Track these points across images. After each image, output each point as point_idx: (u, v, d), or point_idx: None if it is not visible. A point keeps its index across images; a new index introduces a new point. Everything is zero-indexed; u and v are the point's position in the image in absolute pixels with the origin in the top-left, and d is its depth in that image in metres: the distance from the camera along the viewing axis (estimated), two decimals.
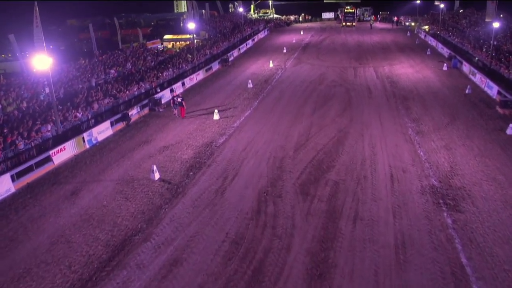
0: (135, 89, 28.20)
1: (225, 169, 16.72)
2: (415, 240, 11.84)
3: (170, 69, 33.99)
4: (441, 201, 13.95)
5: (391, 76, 32.48)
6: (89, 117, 23.34)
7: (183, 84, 31.83)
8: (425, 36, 52.74)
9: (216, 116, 23.22)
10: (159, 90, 30.09)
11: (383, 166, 16.60)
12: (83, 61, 31.47)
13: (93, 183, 16.29)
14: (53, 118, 20.34)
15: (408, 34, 56.92)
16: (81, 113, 23.00)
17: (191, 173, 16.57)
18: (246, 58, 43.94)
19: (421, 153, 17.86)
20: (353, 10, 69.57)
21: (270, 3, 78.82)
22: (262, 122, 22.31)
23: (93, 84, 28.07)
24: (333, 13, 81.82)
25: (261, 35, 58.95)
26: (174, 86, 30.49)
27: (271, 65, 38.21)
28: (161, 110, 26.34)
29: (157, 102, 26.61)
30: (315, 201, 14.02)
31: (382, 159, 17.21)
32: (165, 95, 28.02)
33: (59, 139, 19.80)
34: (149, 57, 37.32)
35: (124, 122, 23.78)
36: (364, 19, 76.06)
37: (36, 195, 15.49)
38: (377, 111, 23.86)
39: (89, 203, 14.66)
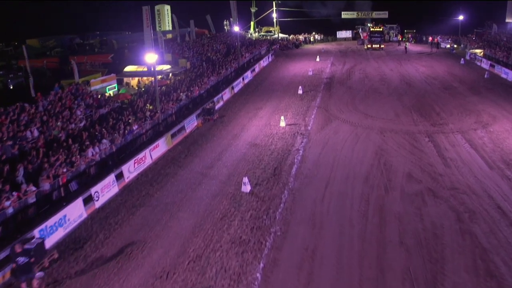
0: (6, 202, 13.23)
1: None
2: None
3: (105, 141, 19.01)
4: None
5: (510, 162, 17.31)
6: None
7: (117, 177, 16.49)
8: (491, 65, 37.85)
9: None
10: (62, 194, 15.12)
11: None
12: None
13: None
14: None
15: (462, 61, 42.04)
16: None
17: None
18: (241, 103, 28.95)
19: None
20: (381, 29, 54.74)
21: (275, 19, 64.20)
22: None
23: None
24: (350, 31, 67.47)
25: (263, 62, 44.13)
26: (94, 190, 15.26)
27: (282, 123, 23.17)
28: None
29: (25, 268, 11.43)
30: None
31: None
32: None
33: None
34: (79, 112, 22.34)
35: None
36: (391, 39, 61.49)
37: None
38: None
39: None
